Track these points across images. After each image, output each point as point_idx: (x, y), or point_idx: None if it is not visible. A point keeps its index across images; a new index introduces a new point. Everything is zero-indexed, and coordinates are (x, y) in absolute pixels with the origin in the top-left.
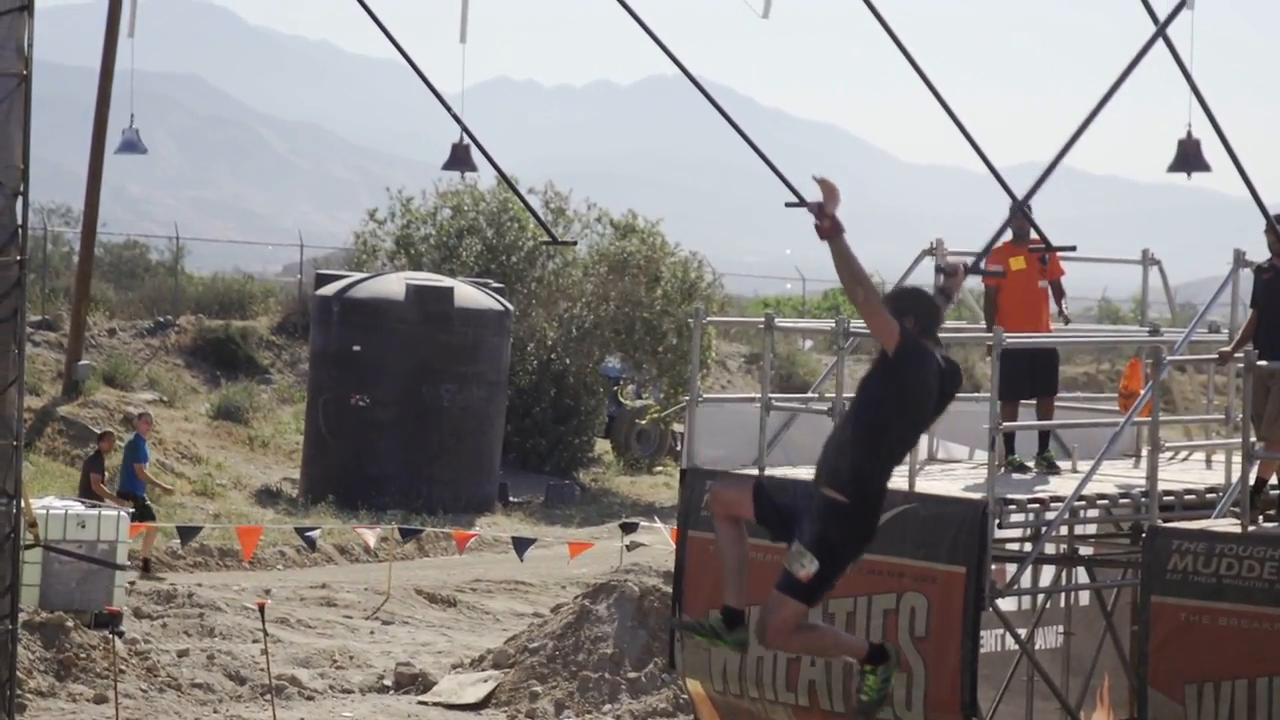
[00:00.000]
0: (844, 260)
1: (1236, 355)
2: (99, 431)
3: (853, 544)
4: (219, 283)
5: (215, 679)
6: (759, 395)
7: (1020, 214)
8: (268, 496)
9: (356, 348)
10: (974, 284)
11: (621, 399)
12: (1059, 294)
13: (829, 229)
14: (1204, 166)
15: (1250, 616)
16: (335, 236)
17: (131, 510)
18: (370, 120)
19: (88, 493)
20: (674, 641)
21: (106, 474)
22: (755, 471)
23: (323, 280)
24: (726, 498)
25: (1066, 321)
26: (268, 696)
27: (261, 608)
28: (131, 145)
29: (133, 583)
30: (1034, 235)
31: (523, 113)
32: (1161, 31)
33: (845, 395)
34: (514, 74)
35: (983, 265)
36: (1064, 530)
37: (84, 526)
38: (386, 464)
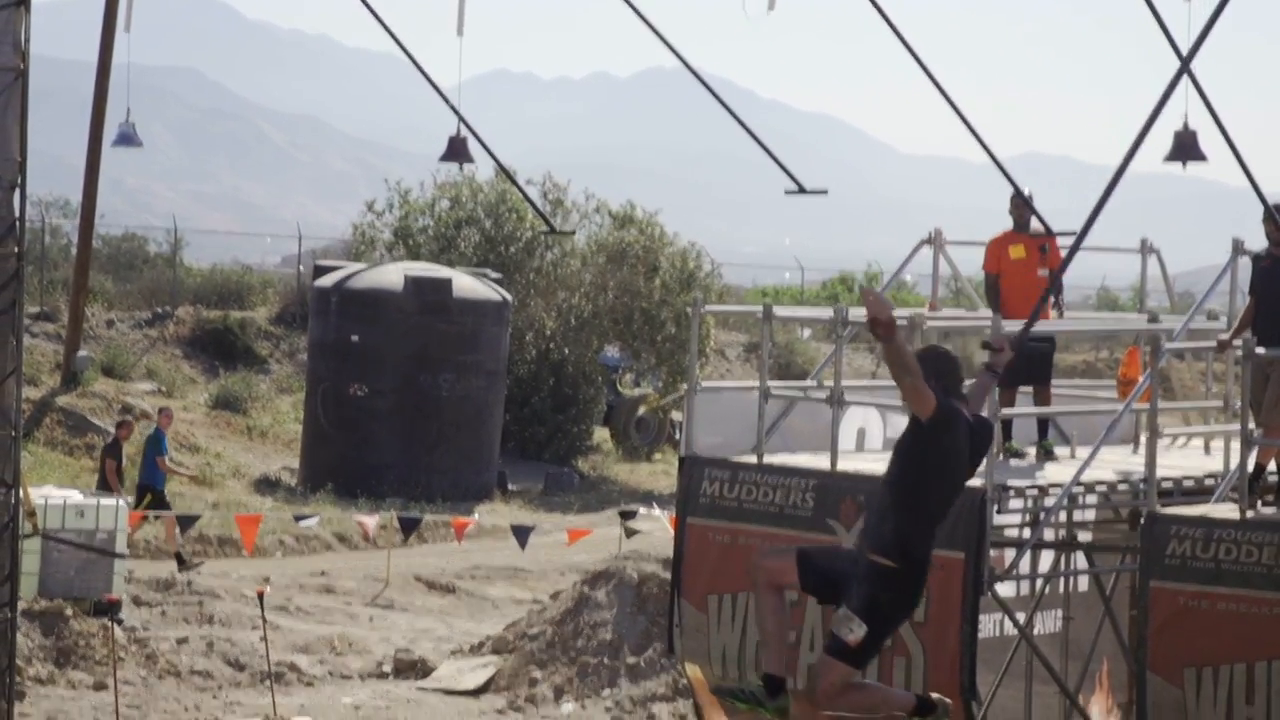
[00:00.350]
0: (898, 356)
1: (1235, 343)
2: (117, 419)
3: (901, 607)
4: (217, 274)
5: (214, 666)
6: (757, 383)
7: (1021, 202)
8: (266, 486)
9: (355, 338)
10: (974, 272)
11: (620, 388)
12: (1056, 286)
13: (885, 333)
14: (1199, 156)
15: (1249, 601)
16: (334, 228)
17: (130, 501)
18: (369, 113)
19: (105, 481)
20: (673, 627)
21: (125, 462)
22: (754, 459)
23: (321, 271)
24: (771, 566)
25: (1060, 314)
26: (267, 683)
27: (261, 595)
28: (127, 138)
29: (131, 571)
30: (1035, 224)
31: (521, 105)
32: (1186, 67)
33: (844, 383)
34: (512, 66)
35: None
36: (1063, 516)
37: (83, 515)
38: (385, 453)
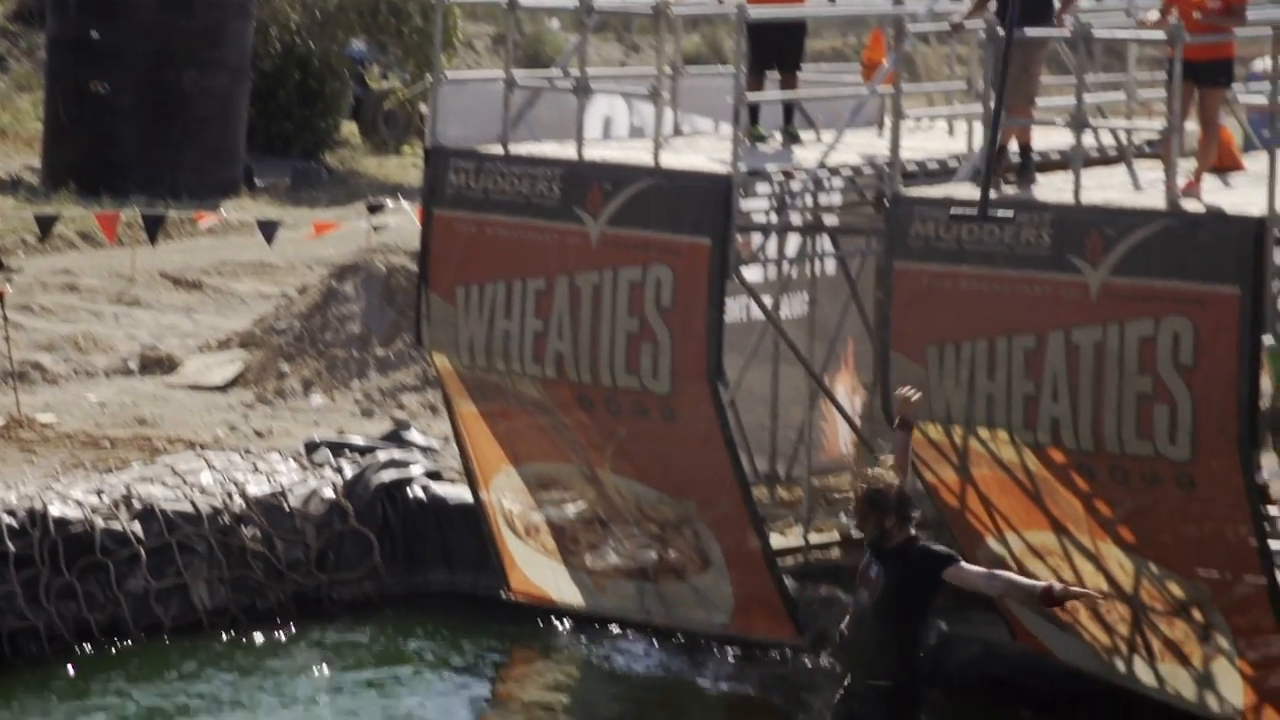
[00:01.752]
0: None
1: (967, 24)
2: None
3: (921, 710)
4: None
5: None
6: (503, 74)
7: None
8: (7, 185)
9: (95, 34)
10: None
11: (367, 81)
12: None
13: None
14: None
15: (990, 279)
16: None
17: None
18: None
19: None
20: (420, 318)
21: None
22: (500, 150)
23: None
24: None
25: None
26: (10, 382)
27: (1, 295)
28: None
29: None
30: None
31: None
32: None
33: (590, 72)
34: None
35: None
36: (808, 200)
37: None
38: (128, 150)
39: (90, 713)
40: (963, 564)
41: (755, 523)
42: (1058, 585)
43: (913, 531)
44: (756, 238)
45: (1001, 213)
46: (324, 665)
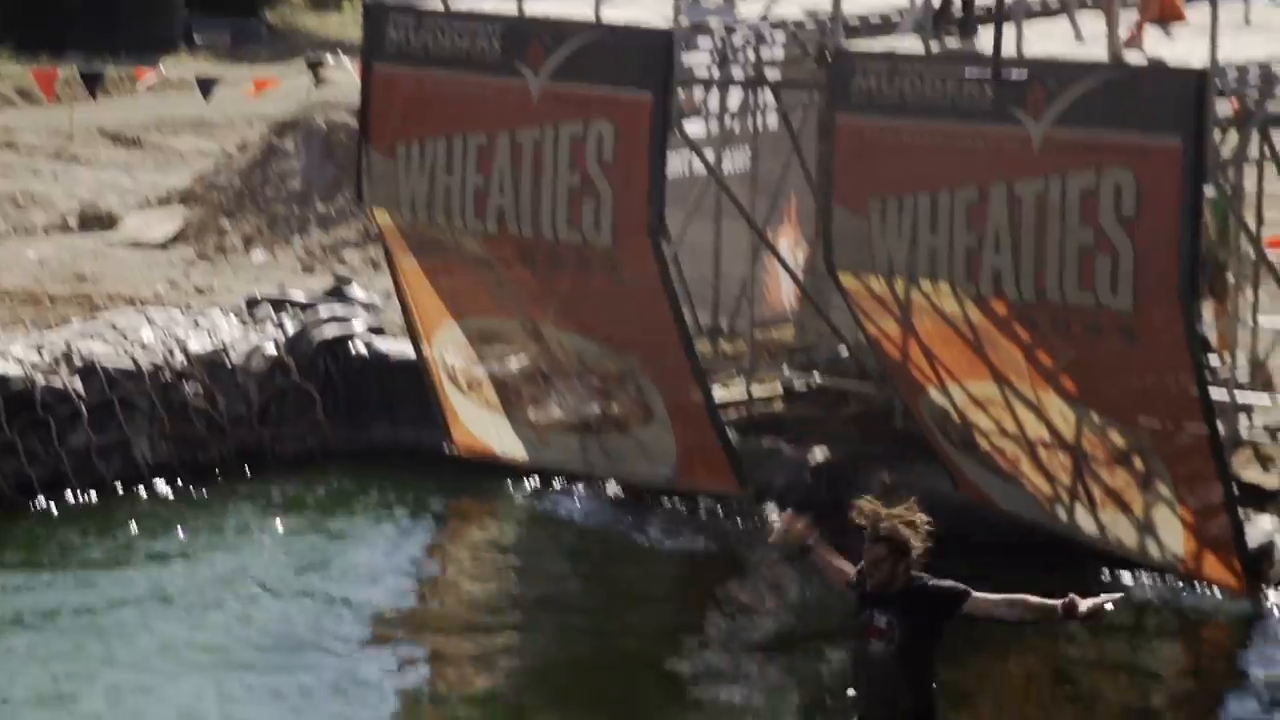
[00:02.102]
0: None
1: None
2: None
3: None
4: None
5: None
6: None
7: None
8: None
9: None
10: None
11: None
12: None
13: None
14: None
15: (932, 133)
16: None
17: None
18: None
19: None
20: (361, 174)
21: None
22: (439, 4)
23: None
24: None
25: None
26: None
27: None
28: None
29: None
30: None
31: None
32: None
33: None
34: None
35: None
36: (751, 55)
37: None
38: (67, 7)
39: (36, 569)
40: (975, 595)
41: (698, 375)
42: (1082, 603)
43: (913, 571)
44: (698, 92)
45: (1016, 74)
46: (268, 519)
